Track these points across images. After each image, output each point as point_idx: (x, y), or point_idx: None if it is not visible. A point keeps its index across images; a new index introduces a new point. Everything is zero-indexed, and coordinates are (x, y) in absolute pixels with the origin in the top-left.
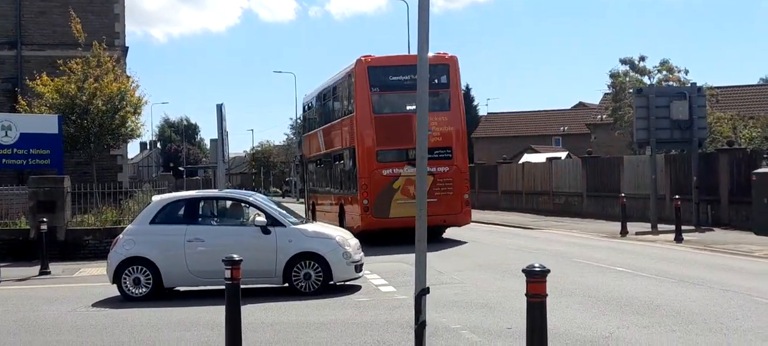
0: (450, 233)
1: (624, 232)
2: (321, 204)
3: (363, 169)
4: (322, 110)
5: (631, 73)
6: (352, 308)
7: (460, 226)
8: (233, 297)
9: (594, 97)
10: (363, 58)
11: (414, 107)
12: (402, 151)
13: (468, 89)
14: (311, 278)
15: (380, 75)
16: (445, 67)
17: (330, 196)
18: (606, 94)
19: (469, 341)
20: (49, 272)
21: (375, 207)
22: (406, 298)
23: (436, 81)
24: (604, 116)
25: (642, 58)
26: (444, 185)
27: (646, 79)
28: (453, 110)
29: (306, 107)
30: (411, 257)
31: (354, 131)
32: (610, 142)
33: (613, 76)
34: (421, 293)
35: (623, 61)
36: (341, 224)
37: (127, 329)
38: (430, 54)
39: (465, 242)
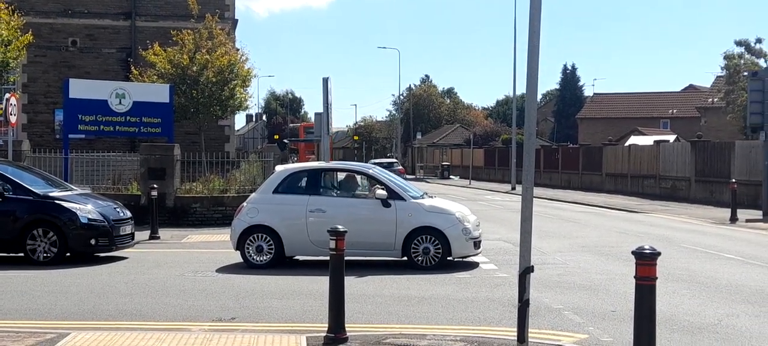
0: (552, 213)
1: (734, 219)
2: None
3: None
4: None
5: (747, 56)
6: (454, 285)
7: None
8: (337, 268)
9: (705, 80)
10: (301, 124)
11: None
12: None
13: (573, 69)
14: (430, 252)
15: (306, 129)
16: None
17: None
18: (718, 76)
19: (572, 322)
20: (159, 237)
21: None
22: (507, 276)
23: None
24: (715, 100)
25: (758, 40)
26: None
27: (762, 62)
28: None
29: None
30: (511, 236)
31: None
32: (721, 127)
33: (728, 57)
34: (526, 271)
35: (739, 43)
36: None
37: (232, 295)
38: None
39: (568, 223)
